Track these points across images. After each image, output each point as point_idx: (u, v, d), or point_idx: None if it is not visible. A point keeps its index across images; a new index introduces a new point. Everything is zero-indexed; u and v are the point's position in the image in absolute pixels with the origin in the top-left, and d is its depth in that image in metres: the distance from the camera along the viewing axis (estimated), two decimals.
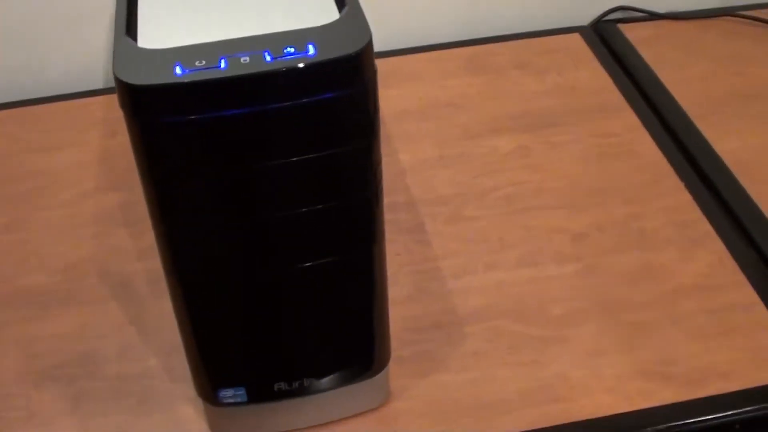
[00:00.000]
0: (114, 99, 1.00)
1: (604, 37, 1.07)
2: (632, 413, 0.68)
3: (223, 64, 0.51)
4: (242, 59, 0.51)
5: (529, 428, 0.67)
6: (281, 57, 0.51)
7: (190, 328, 0.61)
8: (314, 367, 0.64)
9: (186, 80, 0.50)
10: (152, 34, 0.54)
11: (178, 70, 0.50)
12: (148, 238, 0.84)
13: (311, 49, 0.51)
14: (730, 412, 0.68)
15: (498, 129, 0.95)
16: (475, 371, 0.72)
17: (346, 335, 0.64)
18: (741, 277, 0.77)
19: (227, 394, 0.64)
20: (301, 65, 0.51)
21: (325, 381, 0.65)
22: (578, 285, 0.78)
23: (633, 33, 1.07)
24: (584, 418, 0.68)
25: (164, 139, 0.52)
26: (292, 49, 0.51)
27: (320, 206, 0.56)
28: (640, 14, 1.10)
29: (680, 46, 1.05)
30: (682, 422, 0.67)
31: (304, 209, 0.56)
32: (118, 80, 0.51)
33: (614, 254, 0.80)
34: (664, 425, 0.67)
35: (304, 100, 0.52)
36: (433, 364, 0.72)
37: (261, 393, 0.65)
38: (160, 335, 0.76)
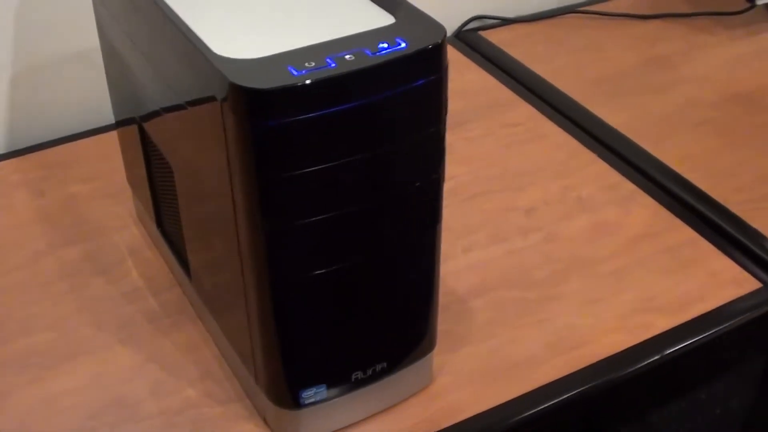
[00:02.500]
0: (27, 160, 0.97)
1: (470, 45, 1.18)
2: (642, 344, 0.77)
3: (331, 63, 0.55)
4: (347, 57, 0.55)
5: (565, 374, 0.75)
6: (378, 52, 0.56)
7: (276, 332, 0.63)
8: (386, 350, 0.68)
9: (308, 80, 0.53)
10: (225, 50, 0.57)
11: (293, 72, 0.54)
12: (128, 282, 0.83)
13: (402, 43, 0.56)
14: (717, 327, 0.79)
15: None
16: (495, 338, 0.78)
17: (413, 314, 0.68)
18: (677, 221, 0.90)
19: (309, 393, 0.67)
20: (400, 56, 0.56)
21: (395, 363, 0.69)
22: (548, 250, 0.87)
23: (494, 37, 1.19)
24: (606, 355, 0.76)
25: (283, 138, 0.55)
26: (386, 45, 0.56)
27: (405, 188, 0.61)
28: (494, 21, 1.22)
29: (539, 44, 1.18)
30: (684, 344, 0.78)
31: (393, 193, 0.61)
32: (236, 87, 0.53)
33: (566, 221, 0.90)
34: (671, 348, 0.77)
35: (401, 88, 0.57)
36: (457, 340, 0.78)
37: (340, 386, 0.67)
38: (184, 366, 0.76)
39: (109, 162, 0.98)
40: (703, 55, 1.16)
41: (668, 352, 0.77)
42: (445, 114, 0.61)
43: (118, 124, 0.86)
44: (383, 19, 0.60)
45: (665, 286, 0.83)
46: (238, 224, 0.60)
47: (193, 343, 0.78)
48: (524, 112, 1.06)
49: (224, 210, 0.61)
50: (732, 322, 0.80)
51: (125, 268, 0.85)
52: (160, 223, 0.83)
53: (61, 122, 1.03)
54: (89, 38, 1.00)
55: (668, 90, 1.09)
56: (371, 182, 0.59)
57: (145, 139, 0.78)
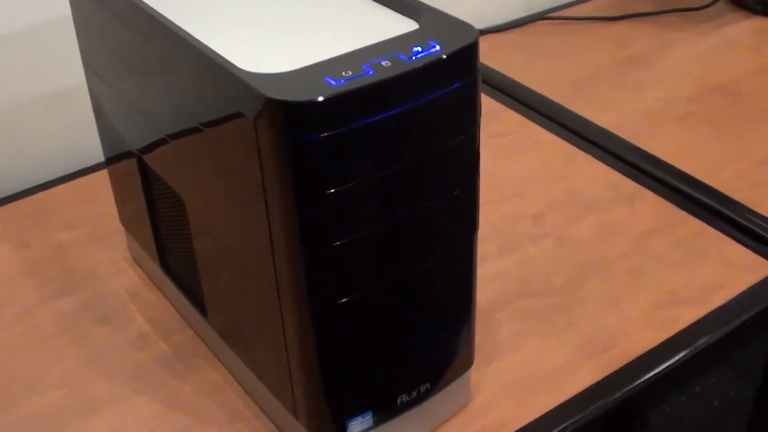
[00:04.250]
0: (5, 211, 0.92)
1: None
2: (674, 338, 0.76)
3: (369, 71, 0.52)
4: (383, 63, 0.53)
5: (602, 377, 0.73)
6: (413, 57, 0.54)
7: (318, 361, 0.60)
8: (430, 369, 0.65)
9: (349, 89, 0.51)
10: (250, 66, 0.54)
11: (331, 82, 0.51)
12: (133, 328, 0.79)
13: (436, 46, 0.54)
14: (744, 313, 0.78)
15: None
16: (525, 348, 0.76)
17: (453, 329, 0.66)
18: (683, 214, 0.89)
19: (356, 423, 0.63)
20: (436, 59, 0.54)
21: (437, 382, 0.66)
22: (562, 255, 0.85)
23: None
24: (639, 353, 0.75)
25: (326, 153, 0.52)
26: (419, 48, 0.54)
27: (446, 197, 0.59)
28: None
29: (515, 52, 1.17)
30: (713, 333, 0.77)
31: (433, 203, 0.58)
32: (275, 102, 0.50)
33: (575, 223, 0.89)
34: (703, 339, 0.76)
35: (440, 92, 0.55)
36: (489, 354, 0.75)
37: (386, 412, 0.64)
38: (209, 409, 0.72)
39: (92, 206, 0.93)
40: (675, 51, 1.17)
41: (700, 342, 0.76)
42: (480, 115, 0.59)
43: (109, 162, 0.82)
44: (406, 24, 0.58)
45: (684, 278, 0.82)
46: (274, 249, 0.57)
47: (213, 384, 0.74)
48: (512, 120, 1.05)
49: (255, 236, 0.58)
50: (758, 307, 0.79)
51: (128, 314, 0.81)
52: (164, 262, 0.79)
53: (36, 169, 0.99)
54: (61, 78, 0.97)
55: (648, 87, 1.09)
56: (412, 193, 0.57)
57: (145, 173, 0.74)
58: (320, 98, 0.50)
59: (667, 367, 0.74)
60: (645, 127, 1.02)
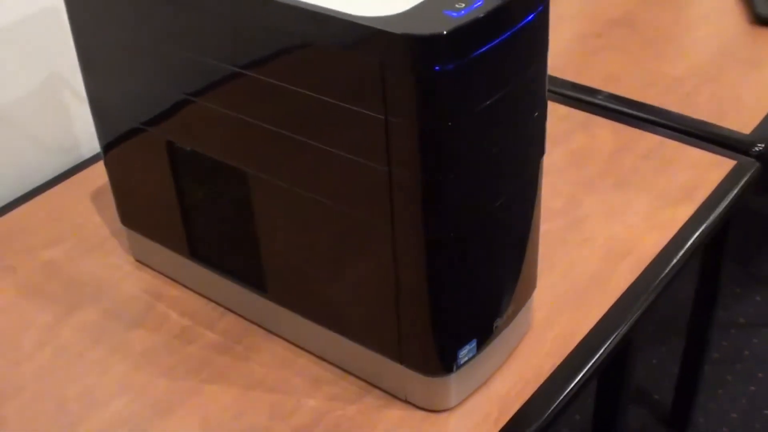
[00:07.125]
0: None
1: None
2: (680, 232, 0.84)
3: (478, 2, 0.55)
4: None
5: (636, 277, 0.79)
6: None
7: (433, 294, 0.62)
8: (516, 292, 0.69)
9: (470, 18, 0.53)
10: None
11: (452, 14, 0.54)
12: (172, 325, 0.78)
13: None
14: (727, 202, 0.87)
15: None
16: (556, 266, 0.81)
17: (528, 252, 0.69)
18: (636, 131, 0.97)
19: (463, 352, 0.66)
20: None
21: (519, 304, 0.70)
22: (549, 182, 0.87)
23: None
24: (657, 252, 0.82)
25: (453, 81, 0.54)
26: None
27: (530, 118, 0.62)
28: None
29: None
30: (710, 221, 0.85)
31: (525, 125, 0.62)
32: (407, 38, 0.52)
33: (546, 155, 0.94)
34: (701, 228, 0.84)
35: (531, 15, 0.58)
36: None
37: (486, 337, 0.67)
38: (287, 382, 0.72)
39: (65, 220, 0.89)
40: None
41: (700, 231, 0.84)
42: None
43: (108, 148, 0.78)
44: None
45: (663, 183, 0.90)
46: (393, 185, 0.58)
47: (282, 357, 0.74)
48: None
49: (369, 177, 0.59)
50: (734, 196, 0.88)
51: (159, 313, 0.79)
52: (194, 252, 0.77)
53: None
54: None
55: (552, 29, 1.17)
56: (512, 117, 0.60)
57: (175, 159, 0.72)
58: (447, 30, 0.53)
59: (681, 258, 0.82)
60: (566, 62, 1.09)
